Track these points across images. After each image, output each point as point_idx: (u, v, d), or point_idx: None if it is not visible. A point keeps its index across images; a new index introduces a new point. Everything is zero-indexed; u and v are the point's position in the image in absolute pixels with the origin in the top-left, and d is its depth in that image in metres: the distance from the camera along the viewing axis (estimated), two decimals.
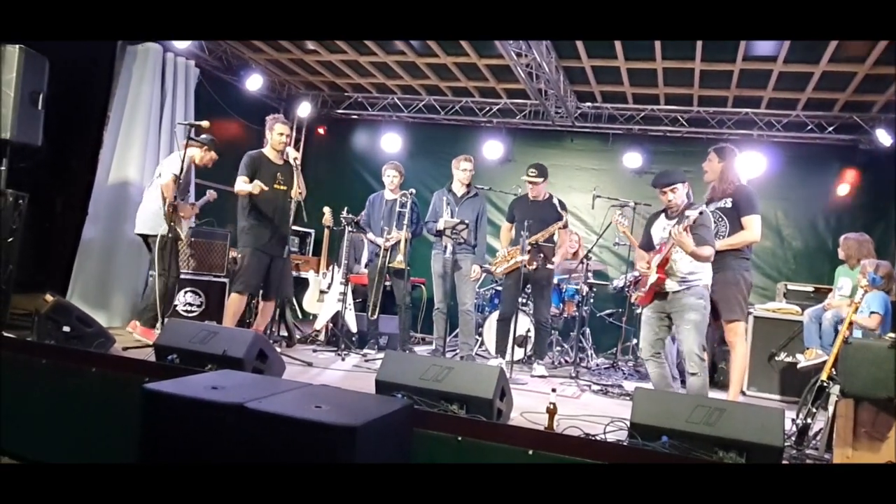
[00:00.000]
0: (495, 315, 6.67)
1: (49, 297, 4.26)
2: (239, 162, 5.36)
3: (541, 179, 5.89)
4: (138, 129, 6.39)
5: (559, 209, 5.92)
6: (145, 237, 5.47)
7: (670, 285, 4.16)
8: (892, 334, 3.25)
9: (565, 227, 6.01)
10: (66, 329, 4.16)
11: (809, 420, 3.62)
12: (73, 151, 5.96)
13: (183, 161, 5.20)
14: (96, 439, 3.31)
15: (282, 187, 5.39)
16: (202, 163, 5.64)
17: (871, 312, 4.85)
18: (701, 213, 4.07)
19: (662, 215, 4.39)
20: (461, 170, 6.10)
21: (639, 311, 6.96)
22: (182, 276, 5.92)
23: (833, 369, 3.64)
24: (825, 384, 3.63)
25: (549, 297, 6.12)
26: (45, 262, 5.68)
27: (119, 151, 6.28)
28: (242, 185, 5.24)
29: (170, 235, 5.20)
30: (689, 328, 4.07)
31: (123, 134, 6.32)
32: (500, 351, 5.89)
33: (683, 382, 4.77)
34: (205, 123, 5.23)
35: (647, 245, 4.44)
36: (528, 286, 6.11)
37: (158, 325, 5.08)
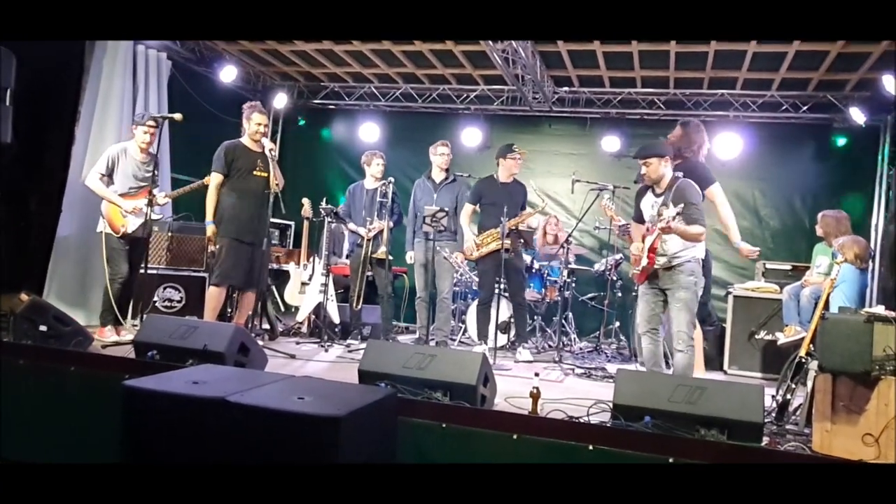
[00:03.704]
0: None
1: (25, 297, 4.19)
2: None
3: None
4: (111, 124, 6.29)
5: (524, 193, 6.07)
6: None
7: (661, 262, 4.19)
8: (867, 309, 3.29)
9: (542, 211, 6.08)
10: (43, 328, 4.10)
11: (789, 396, 3.67)
12: (45, 148, 5.84)
13: (124, 154, 5.25)
14: (77, 438, 3.28)
15: (262, 174, 5.33)
16: (145, 144, 5.37)
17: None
18: (679, 186, 4.12)
19: (650, 190, 4.39)
20: (438, 154, 6.11)
21: (619, 294, 7.12)
22: (161, 272, 5.87)
23: (811, 345, 3.69)
24: (803, 360, 3.68)
25: (524, 278, 6.15)
26: (21, 261, 5.57)
27: (92, 147, 6.15)
28: (212, 191, 5.28)
29: (104, 233, 5.26)
30: (680, 307, 4.13)
31: (96, 129, 6.21)
32: (483, 336, 5.91)
33: (668, 364, 4.82)
34: (177, 116, 5.12)
35: (639, 218, 4.50)
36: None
37: (111, 328, 5.28)
